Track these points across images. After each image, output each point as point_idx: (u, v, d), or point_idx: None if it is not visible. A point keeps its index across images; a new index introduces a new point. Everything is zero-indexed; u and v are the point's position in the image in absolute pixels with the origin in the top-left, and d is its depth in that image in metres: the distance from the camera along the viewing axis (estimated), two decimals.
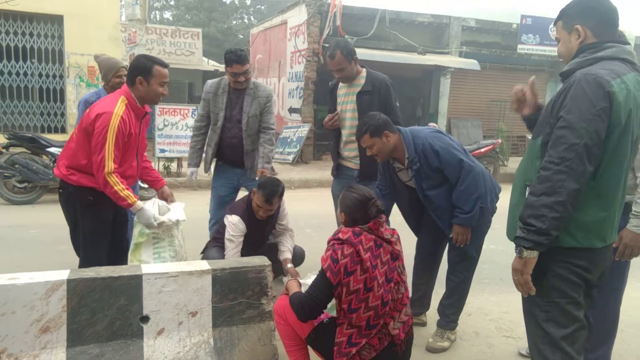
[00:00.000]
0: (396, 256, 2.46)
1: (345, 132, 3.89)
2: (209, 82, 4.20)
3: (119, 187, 2.94)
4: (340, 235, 2.37)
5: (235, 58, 3.90)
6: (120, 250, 3.32)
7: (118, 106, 2.93)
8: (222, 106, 4.09)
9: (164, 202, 3.40)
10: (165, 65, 3.09)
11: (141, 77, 3.00)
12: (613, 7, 2.02)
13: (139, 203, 3.06)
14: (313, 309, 2.39)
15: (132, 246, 3.24)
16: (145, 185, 3.40)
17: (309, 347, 2.62)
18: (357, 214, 2.47)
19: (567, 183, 1.82)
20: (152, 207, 3.21)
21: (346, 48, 3.68)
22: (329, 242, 2.42)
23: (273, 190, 3.54)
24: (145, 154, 3.50)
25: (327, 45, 11.97)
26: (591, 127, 1.81)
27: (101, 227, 3.11)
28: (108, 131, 2.87)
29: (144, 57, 3.12)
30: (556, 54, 2.26)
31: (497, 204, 3.24)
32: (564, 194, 1.82)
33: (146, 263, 3.06)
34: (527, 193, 1.99)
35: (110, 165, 2.89)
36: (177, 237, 3.32)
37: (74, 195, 3.04)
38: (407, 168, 3.15)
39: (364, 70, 3.84)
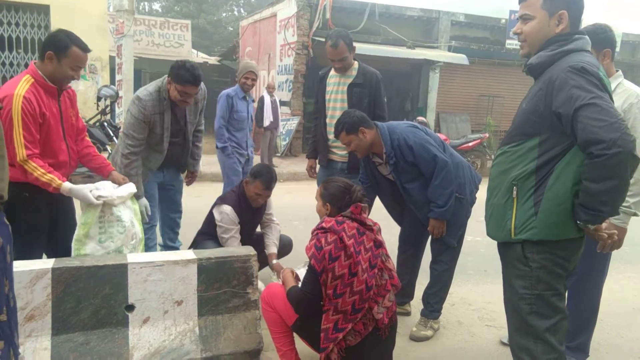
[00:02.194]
0: (379, 244, 2.53)
1: (331, 122, 3.89)
2: (147, 100, 3.39)
3: (39, 172, 2.69)
4: (323, 225, 2.44)
5: (192, 79, 3.30)
6: (67, 248, 3.01)
7: (19, 86, 2.65)
8: (167, 125, 3.50)
9: (109, 183, 3.06)
10: (85, 50, 2.79)
11: (52, 52, 2.70)
12: None
13: (66, 184, 2.77)
14: (309, 303, 2.45)
15: (77, 232, 2.92)
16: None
17: (294, 333, 2.66)
18: (342, 201, 2.54)
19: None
20: (90, 186, 2.91)
21: (347, 37, 3.72)
22: (312, 232, 2.49)
23: (270, 176, 3.59)
24: (88, 139, 3.23)
25: (316, 38, 11.97)
26: (613, 105, 1.82)
27: (37, 224, 2.89)
28: (12, 116, 2.59)
29: (64, 34, 2.76)
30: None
31: (477, 195, 3.29)
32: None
33: (92, 244, 2.90)
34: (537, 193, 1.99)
35: (21, 152, 2.63)
36: (128, 214, 3.02)
37: (9, 193, 2.86)
38: (386, 162, 3.21)
39: (356, 62, 3.86)
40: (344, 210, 2.51)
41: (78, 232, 2.92)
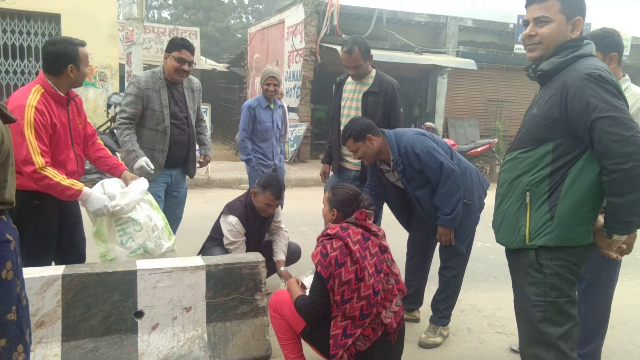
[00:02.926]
0: (384, 249, 2.54)
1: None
2: (141, 76, 3.64)
3: (60, 177, 2.69)
4: (328, 231, 2.45)
5: (185, 43, 3.58)
6: (77, 254, 3.11)
7: (30, 97, 2.67)
8: (165, 103, 3.63)
9: (116, 181, 3.11)
10: (83, 44, 2.85)
11: (72, 65, 2.77)
12: None
13: (87, 190, 2.80)
14: (319, 311, 2.44)
15: (93, 230, 2.99)
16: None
17: (302, 340, 2.65)
18: (349, 207, 2.55)
19: None
20: (104, 188, 2.97)
21: (363, 45, 3.68)
22: (318, 240, 2.49)
23: (280, 185, 3.60)
24: (99, 142, 3.27)
25: (324, 44, 12.01)
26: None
27: (47, 233, 2.91)
28: (25, 126, 2.60)
29: (67, 42, 2.79)
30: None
31: (486, 200, 3.28)
32: None
33: (115, 247, 2.94)
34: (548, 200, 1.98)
35: (39, 160, 2.62)
36: (142, 210, 3.05)
37: (18, 200, 2.76)
38: (393, 170, 3.20)
39: (374, 70, 3.83)
40: (350, 216, 2.53)
41: (99, 245, 2.97)
